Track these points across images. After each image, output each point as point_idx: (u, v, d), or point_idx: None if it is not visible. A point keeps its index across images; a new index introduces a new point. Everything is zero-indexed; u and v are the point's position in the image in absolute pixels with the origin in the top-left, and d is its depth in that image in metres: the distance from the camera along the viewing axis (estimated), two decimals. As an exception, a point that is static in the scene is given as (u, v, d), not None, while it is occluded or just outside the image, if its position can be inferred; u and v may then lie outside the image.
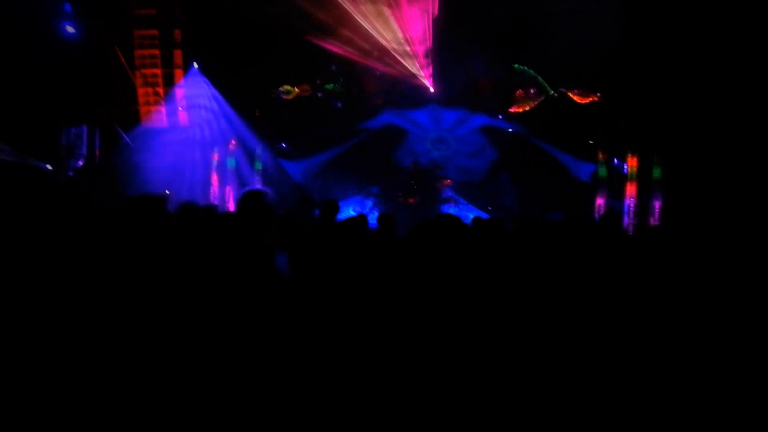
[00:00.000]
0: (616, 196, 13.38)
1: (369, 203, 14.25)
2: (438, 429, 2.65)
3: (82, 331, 2.56)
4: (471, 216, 13.33)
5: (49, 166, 11.12)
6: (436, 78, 13.82)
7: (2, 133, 10.69)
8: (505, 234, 4.13)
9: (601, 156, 13.68)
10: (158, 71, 12.68)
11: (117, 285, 2.73)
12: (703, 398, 2.63)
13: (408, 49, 13.28)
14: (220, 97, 13.15)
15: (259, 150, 13.90)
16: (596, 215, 12.69)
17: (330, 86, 14.06)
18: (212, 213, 4.37)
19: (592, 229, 4.20)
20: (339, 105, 14.35)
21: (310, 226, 5.05)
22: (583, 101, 13.91)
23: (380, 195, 14.37)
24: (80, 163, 11.79)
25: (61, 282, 2.62)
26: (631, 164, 13.23)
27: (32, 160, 11.10)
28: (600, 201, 13.56)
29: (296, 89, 14.08)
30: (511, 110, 14.17)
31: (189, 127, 12.98)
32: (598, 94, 13.75)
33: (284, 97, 14.10)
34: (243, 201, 3.86)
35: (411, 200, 13.94)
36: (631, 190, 13.20)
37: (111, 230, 3.09)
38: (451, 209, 13.87)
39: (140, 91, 12.66)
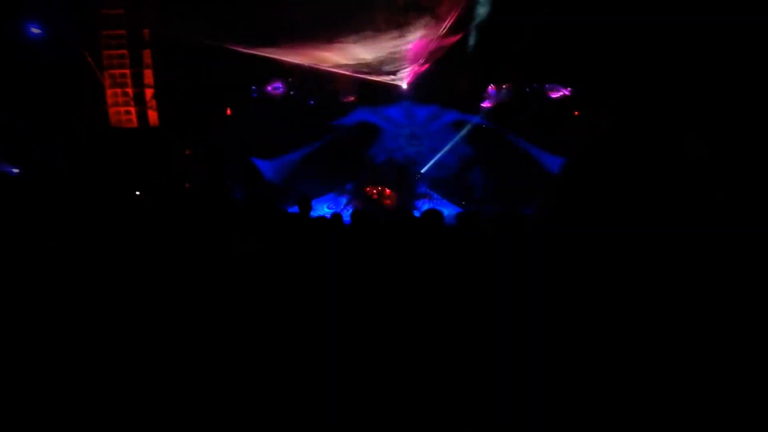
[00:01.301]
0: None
1: (343, 200, 14.26)
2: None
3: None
4: (446, 211, 13.53)
5: (15, 170, 10.93)
6: (410, 74, 13.89)
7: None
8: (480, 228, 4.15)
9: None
10: (127, 71, 12.51)
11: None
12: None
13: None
14: None
15: None
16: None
17: None
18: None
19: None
20: (312, 102, 14.33)
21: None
22: (556, 96, 14.12)
23: (354, 192, 14.40)
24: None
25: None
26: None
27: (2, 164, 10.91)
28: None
29: None
30: (484, 105, 14.32)
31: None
32: (569, 89, 13.97)
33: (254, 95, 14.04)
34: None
35: (386, 199, 14.00)
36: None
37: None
38: (425, 205, 13.97)
39: (109, 92, 12.48)
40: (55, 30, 11.48)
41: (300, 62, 12.96)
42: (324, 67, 13.36)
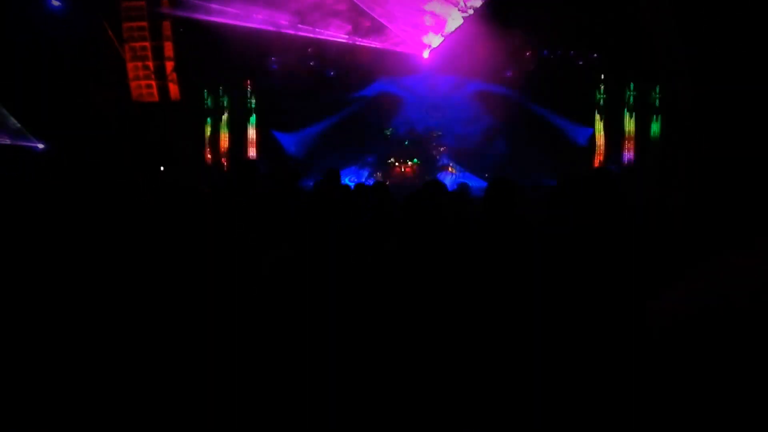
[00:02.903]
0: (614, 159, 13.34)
1: (365, 173, 14.18)
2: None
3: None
4: (470, 183, 13.35)
5: (40, 145, 11.03)
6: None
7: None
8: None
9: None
10: (147, 44, 12.47)
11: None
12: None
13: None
14: None
15: None
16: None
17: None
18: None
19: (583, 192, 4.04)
20: (332, 73, 14.15)
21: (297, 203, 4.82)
22: (580, 62, 13.75)
23: (376, 164, 14.30)
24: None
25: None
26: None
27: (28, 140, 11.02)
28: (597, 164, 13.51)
29: None
30: (507, 75, 13.99)
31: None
32: (596, 54, 13.57)
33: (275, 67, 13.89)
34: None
35: (408, 168, 13.87)
36: (629, 150, 13.15)
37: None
38: (448, 177, 13.81)
39: (130, 65, 12.47)
40: (75, 2, 11.43)
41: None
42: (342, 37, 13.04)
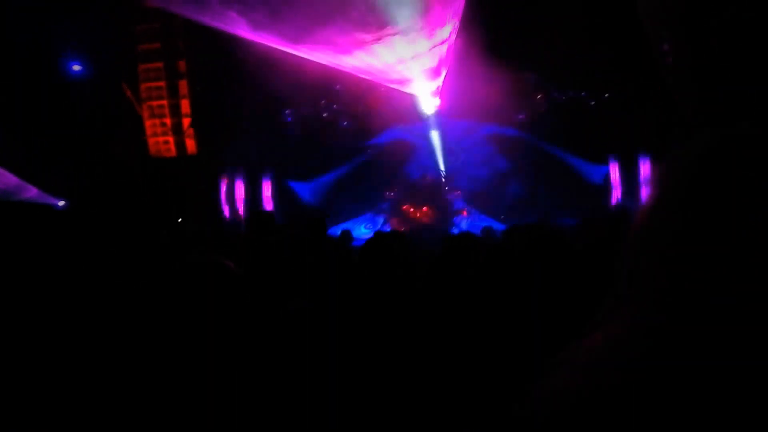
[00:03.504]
0: (632, 197, 13.23)
1: (380, 219, 14.19)
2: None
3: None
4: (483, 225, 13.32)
5: (60, 203, 11.22)
6: (444, 91, 13.79)
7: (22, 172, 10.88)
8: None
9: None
10: (164, 102, 12.81)
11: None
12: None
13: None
14: None
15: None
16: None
17: None
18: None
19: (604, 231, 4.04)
20: (345, 123, 14.38)
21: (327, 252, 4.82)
22: (592, 103, 13.83)
23: (391, 211, 14.33)
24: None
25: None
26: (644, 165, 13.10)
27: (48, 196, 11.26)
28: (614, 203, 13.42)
29: None
30: (519, 117, 14.10)
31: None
32: (607, 94, 13.65)
33: (290, 119, 14.16)
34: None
35: (422, 213, 13.88)
36: (646, 189, 13.02)
37: None
38: (463, 220, 13.78)
39: (148, 123, 12.79)
40: (94, 66, 11.84)
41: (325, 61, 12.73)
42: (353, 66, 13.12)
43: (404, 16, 11.92)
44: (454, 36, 12.63)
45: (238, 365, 2.46)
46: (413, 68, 13.01)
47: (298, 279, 3.44)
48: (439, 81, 13.50)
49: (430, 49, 12.72)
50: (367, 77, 13.07)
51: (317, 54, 12.18)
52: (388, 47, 12.35)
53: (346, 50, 12.21)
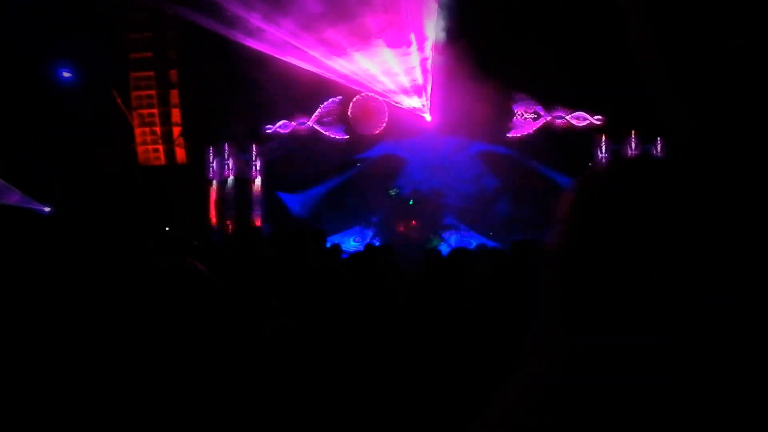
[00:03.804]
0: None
1: (369, 233, 14.18)
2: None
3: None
4: (474, 242, 13.35)
5: (46, 209, 11.12)
6: (433, 107, 13.88)
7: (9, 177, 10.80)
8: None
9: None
10: (155, 111, 12.78)
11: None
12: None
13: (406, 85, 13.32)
14: None
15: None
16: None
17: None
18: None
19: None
20: (336, 136, 14.41)
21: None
22: (581, 124, 13.96)
23: (380, 225, 14.32)
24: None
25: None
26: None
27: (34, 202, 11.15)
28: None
29: None
30: (509, 135, 14.19)
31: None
32: (600, 118, 13.79)
33: (282, 130, 14.17)
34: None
35: (411, 228, 13.88)
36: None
37: None
38: (452, 236, 13.79)
39: (137, 131, 12.74)
40: (85, 73, 11.81)
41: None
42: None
43: (380, 28, 12.10)
44: (433, 53, 12.76)
45: (207, 369, 2.43)
46: (396, 80, 13.13)
47: (283, 290, 3.42)
48: (424, 98, 13.59)
49: (409, 64, 12.86)
50: (353, 86, 13.14)
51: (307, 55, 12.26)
52: (370, 56, 12.48)
53: (335, 53, 12.32)
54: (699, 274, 0.61)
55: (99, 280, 3.48)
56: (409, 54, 12.70)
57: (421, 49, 12.79)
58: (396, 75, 13.09)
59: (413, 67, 13.04)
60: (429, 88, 13.40)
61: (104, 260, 4.17)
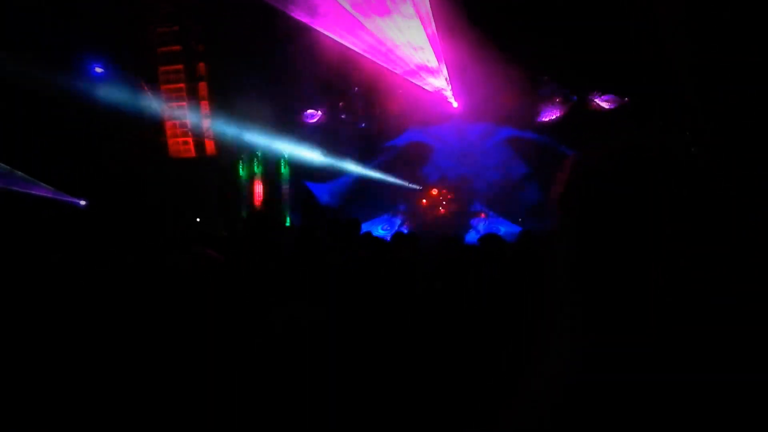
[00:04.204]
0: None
1: (397, 221, 14.19)
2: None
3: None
4: (502, 229, 13.26)
5: (82, 202, 11.39)
6: (460, 93, 13.73)
7: (40, 173, 11.09)
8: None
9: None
10: (184, 104, 12.94)
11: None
12: None
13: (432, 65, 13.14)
14: None
15: None
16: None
17: None
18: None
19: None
20: (363, 125, 14.40)
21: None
22: (611, 107, 13.66)
23: (408, 212, 14.31)
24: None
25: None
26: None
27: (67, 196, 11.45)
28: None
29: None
30: (538, 120, 13.98)
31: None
32: (627, 99, 13.48)
33: (309, 120, 14.22)
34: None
35: (440, 215, 13.84)
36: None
37: None
38: (480, 223, 13.71)
39: (167, 124, 12.93)
40: (116, 68, 12.01)
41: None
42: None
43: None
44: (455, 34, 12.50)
45: (219, 356, 2.47)
46: (414, 56, 12.95)
47: (302, 281, 3.43)
48: (442, 79, 13.39)
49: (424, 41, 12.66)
50: (378, 61, 12.95)
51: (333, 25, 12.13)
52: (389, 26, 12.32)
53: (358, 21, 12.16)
54: (699, 274, 0.60)
55: (116, 274, 3.56)
56: (430, 35, 12.51)
57: (440, 31, 12.58)
58: (419, 50, 12.89)
59: (434, 48, 12.83)
60: (444, 69, 13.20)
61: (125, 255, 4.26)
